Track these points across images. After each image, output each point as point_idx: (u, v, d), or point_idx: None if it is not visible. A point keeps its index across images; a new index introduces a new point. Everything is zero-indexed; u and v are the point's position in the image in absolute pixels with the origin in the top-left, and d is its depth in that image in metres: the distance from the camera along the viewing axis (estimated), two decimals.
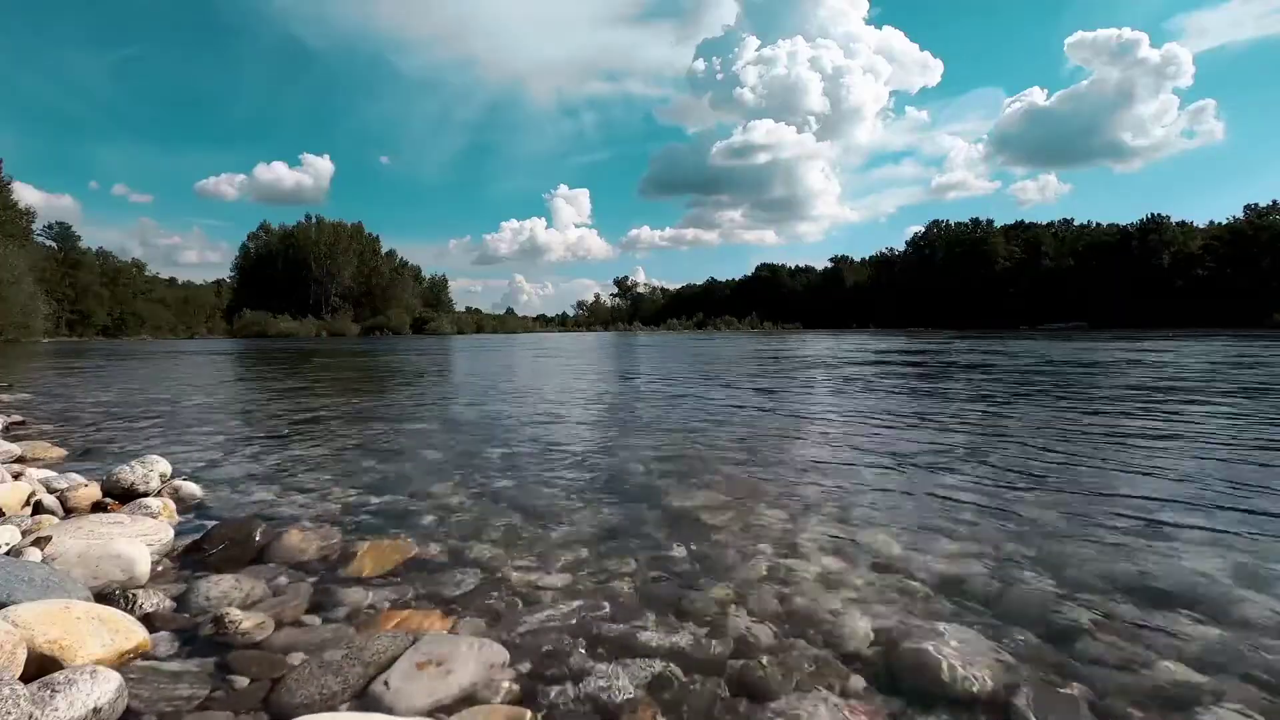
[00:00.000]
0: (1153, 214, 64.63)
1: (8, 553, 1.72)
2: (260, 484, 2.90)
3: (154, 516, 2.21)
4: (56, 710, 1.05)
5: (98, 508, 2.35)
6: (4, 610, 1.29)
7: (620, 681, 1.28)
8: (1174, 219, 64.13)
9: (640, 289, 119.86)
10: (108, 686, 1.12)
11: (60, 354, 20.47)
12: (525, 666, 1.35)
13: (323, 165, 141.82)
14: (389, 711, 1.16)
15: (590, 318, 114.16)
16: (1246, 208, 60.50)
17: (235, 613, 1.51)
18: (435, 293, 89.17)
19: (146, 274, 67.52)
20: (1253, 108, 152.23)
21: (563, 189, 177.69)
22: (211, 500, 2.62)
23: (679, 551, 2.01)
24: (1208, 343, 17.44)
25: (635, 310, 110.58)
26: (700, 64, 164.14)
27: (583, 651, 1.41)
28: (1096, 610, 1.58)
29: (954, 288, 74.50)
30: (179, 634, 1.47)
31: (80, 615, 1.33)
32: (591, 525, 2.29)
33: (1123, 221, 68.02)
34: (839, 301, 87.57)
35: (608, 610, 1.61)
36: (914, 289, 79.06)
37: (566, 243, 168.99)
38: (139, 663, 1.33)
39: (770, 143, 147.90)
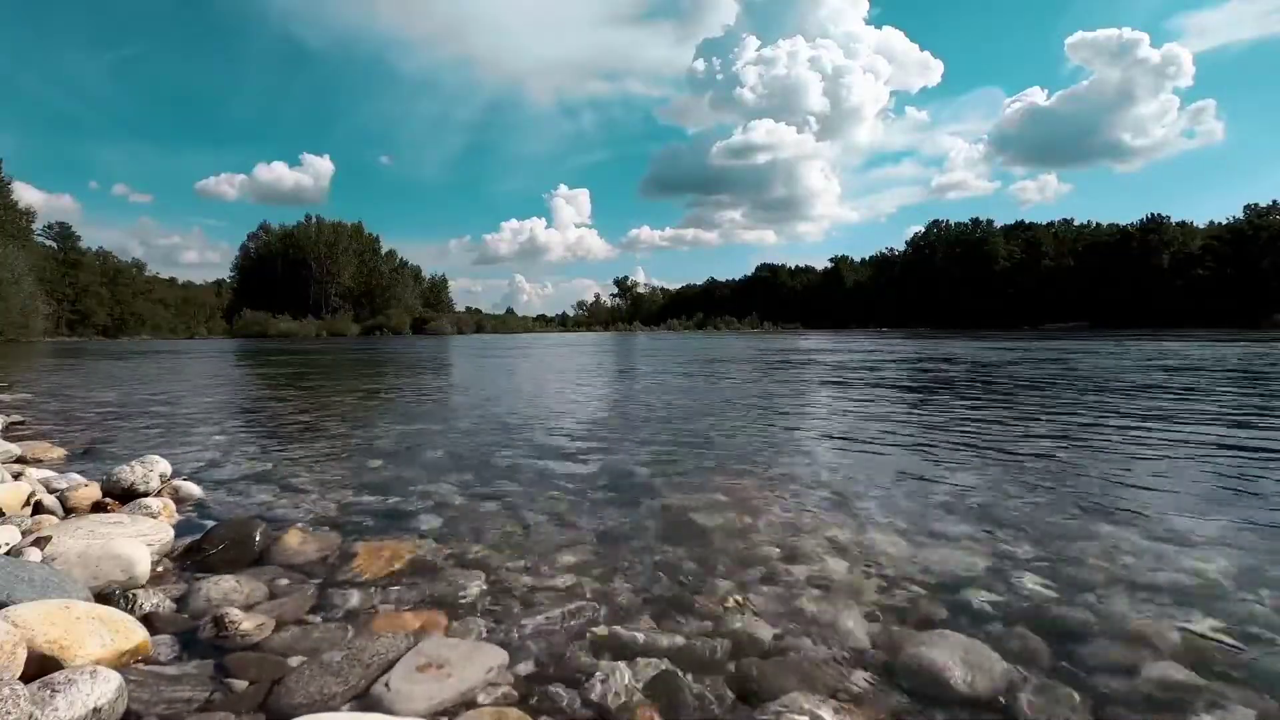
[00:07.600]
0: (1153, 214, 64.73)
1: (8, 553, 1.72)
2: (260, 484, 2.90)
3: (154, 517, 2.21)
4: (56, 710, 1.05)
5: (98, 508, 2.34)
6: (4, 610, 1.28)
7: (620, 683, 1.28)
8: (1174, 219, 64.28)
9: (640, 289, 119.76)
10: (108, 687, 1.12)
11: (60, 354, 20.46)
12: (525, 668, 1.35)
13: (323, 165, 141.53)
14: (389, 713, 1.16)
15: (590, 318, 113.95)
16: (1246, 208, 60.63)
17: (235, 613, 1.51)
18: (435, 293, 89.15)
19: (146, 274, 67.57)
20: (1253, 108, 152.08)
21: (563, 189, 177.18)
22: (211, 500, 2.62)
23: (678, 552, 2.01)
24: (1216, 345, 17.42)
25: (635, 310, 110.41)
26: (700, 64, 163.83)
27: (583, 653, 1.41)
28: (1096, 610, 1.58)
29: (954, 288, 74.49)
30: (179, 634, 1.47)
31: (80, 615, 1.33)
32: (591, 526, 2.29)
33: (1123, 221, 68.21)
34: (839, 301, 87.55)
35: (608, 612, 1.61)
36: (914, 289, 79.04)
37: (566, 243, 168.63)
38: (139, 663, 1.33)
39: (770, 143, 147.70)
